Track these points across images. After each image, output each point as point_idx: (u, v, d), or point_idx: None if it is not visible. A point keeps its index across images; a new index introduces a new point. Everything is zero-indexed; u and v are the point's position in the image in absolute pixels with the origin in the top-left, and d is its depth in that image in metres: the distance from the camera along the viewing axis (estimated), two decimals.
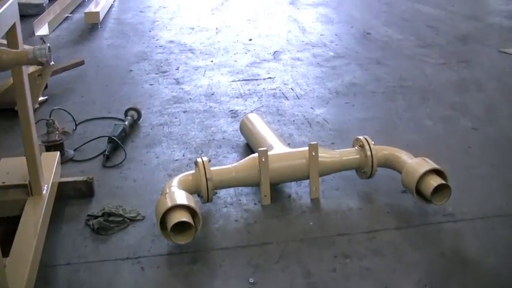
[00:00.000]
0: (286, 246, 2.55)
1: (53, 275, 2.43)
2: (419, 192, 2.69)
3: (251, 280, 2.35)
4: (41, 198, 2.63)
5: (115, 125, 3.64)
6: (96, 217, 2.77)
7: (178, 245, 2.46)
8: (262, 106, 4.07)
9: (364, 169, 2.90)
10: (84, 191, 2.98)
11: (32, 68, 3.87)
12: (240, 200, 2.90)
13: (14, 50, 2.30)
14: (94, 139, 3.54)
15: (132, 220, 2.77)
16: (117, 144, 3.43)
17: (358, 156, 2.91)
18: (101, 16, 6.50)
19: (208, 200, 2.74)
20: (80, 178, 2.99)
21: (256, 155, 2.80)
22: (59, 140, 3.35)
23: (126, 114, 3.81)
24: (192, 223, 2.40)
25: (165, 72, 4.87)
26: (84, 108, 4.11)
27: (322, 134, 3.63)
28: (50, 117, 3.43)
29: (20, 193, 2.62)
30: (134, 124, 3.78)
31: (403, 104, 4.08)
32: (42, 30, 6.25)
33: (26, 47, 5.06)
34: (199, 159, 2.76)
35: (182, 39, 5.88)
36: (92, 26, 6.37)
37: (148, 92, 4.42)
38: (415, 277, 2.35)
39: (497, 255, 2.50)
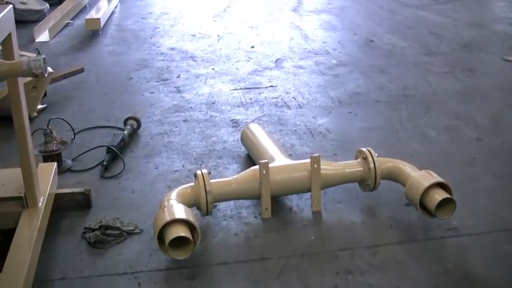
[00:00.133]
0: (286, 262, 2.49)
1: None
2: (423, 206, 2.63)
3: None
4: (36, 210, 2.57)
5: (114, 134, 3.59)
6: (93, 230, 2.71)
7: (176, 260, 2.40)
8: (264, 115, 4.02)
9: (367, 182, 2.84)
10: (82, 202, 2.92)
11: (27, 79, 3.81)
12: (240, 212, 2.85)
13: (8, 62, 2.24)
14: (92, 149, 3.48)
15: (130, 233, 2.72)
16: (115, 154, 3.38)
17: (361, 168, 2.85)
18: (102, 22, 6.45)
19: (208, 213, 2.68)
20: (77, 189, 2.93)
21: (256, 167, 2.75)
22: (57, 150, 3.30)
23: (125, 123, 3.75)
24: (191, 238, 2.35)
25: (165, 80, 4.82)
26: (83, 116, 4.06)
27: (324, 144, 3.57)
28: (47, 126, 3.38)
29: (15, 205, 2.56)
30: (134, 133, 3.73)
31: (407, 113, 4.02)
32: (43, 37, 6.21)
33: (26, 53, 5.03)
34: (198, 172, 2.70)
35: (183, 46, 5.83)
36: (93, 32, 6.33)
37: (149, 100, 4.37)
38: None
39: (503, 271, 2.43)
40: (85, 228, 2.74)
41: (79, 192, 2.92)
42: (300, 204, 2.90)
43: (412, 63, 5.16)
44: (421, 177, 2.65)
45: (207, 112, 4.10)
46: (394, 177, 2.85)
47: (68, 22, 6.92)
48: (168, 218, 2.38)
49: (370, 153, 2.85)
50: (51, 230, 2.67)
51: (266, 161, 2.74)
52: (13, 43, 2.34)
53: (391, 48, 5.60)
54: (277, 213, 2.82)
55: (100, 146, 3.48)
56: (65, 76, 4.58)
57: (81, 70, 4.75)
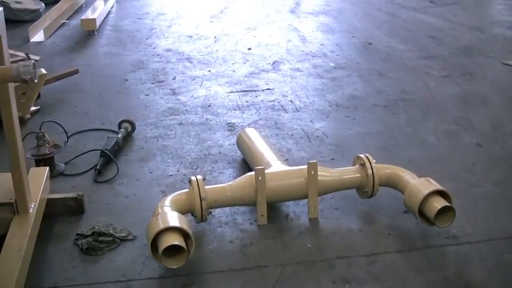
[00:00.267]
0: (283, 270, 2.44)
1: None
2: (422, 213, 2.57)
3: None
4: (27, 216, 2.52)
5: (108, 137, 3.54)
6: (85, 236, 2.66)
7: (170, 268, 2.34)
8: (260, 119, 3.96)
9: (365, 188, 2.79)
10: (74, 208, 2.87)
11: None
12: (235, 219, 2.79)
13: None
14: (86, 152, 3.43)
15: (123, 240, 2.66)
16: (109, 158, 3.33)
17: (358, 175, 2.80)
18: (98, 23, 6.39)
19: (202, 220, 2.63)
20: (70, 195, 2.88)
21: (252, 173, 2.70)
22: (49, 154, 3.24)
23: (119, 127, 3.70)
24: (185, 247, 2.29)
25: (161, 82, 4.76)
26: (77, 119, 4.01)
27: (321, 149, 3.51)
28: (40, 129, 3.32)
29: (5, 212, 2.50)
30: (128, 137, 3.68)
31: (405, 118, 3.97)
32: (38, 37, 6.16)
33: (21, 54, 4.97)
34: (193, 178, 2.65)
35: (180, 48, 5.78)
36: (89, 32, 6.27)
37: (144, 102, 4.31)
38: None
39: (503, 281, 2.39)
40: (77, 234, 2.69)
41: (71, 198, 2.87)
42: (297, 211, 2.84)
43: (410, 66, 5.11)
44: (420, 185, 2.60)
45: (202, 115, 4.05)
46: (392, 184, 2.79)
47: (64, 22, 6.86)
48: (161, 226, 2.33)
49: (368, 160, 2.80)
50: (42, 236, 2.61)
51: (262, 167, 2.69)
52: (3, 47, 2.28)
53: (390, 51, 5.55)
54: (273, 220, 2.77)
55: (94, 150, 3.42)
56: (59, 78, 4.52)
57: (76, 71, 4.70)
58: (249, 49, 5.69)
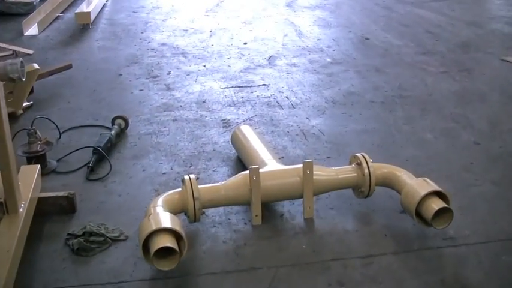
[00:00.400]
0: (277, 272, 2.40)
1: None
2: (419, 214, 2.53)
3: None
4: (17, 216, 2.47)
5: (100, 134, 3.48)
6: (76, 236, 2.61)
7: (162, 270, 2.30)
8: (256, 115, 3.91)
9: (361, 188, 2.74)
10: (66, 206, 2.82)
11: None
12: (229, 219, 2.75)
13: None
14: (78, 149, 3.37)
15: (115, 240, 2.62)
16: (102, 156, 3.27)
17: (355, 174, 2.75)
18: (92, 16, 6.32)
19: (196, 220, 2.58)
20: (61, 193, 2.83)
21: (247, 172, 2.65)
22: (41, 151, 3.19)
23: (113, 123, 3.65)
24: (177, 248, 2.24)
25: (155, 77, 4.70)
26: (71, 114, 3.95)
27: (317, 146, 3.47)
28: (31, 126, 3.26)
29: None
30: (121, 133, 3.62)
31: (403, 115, 3.92)
32: (32, 31, 6.09)
33: (16, 48, 4.90)
34: (186, 177, 2.60)
35: (175, 42, 5.72)
36: (83, 26, 6.20)
37: (138, 98, 4.26)
38: None
39: (501, 283, 2.35)
40: (68, 234, 2.64)
41: (63, 196, 2.82)
42: (292, 211, 2.80)
43: (408, 62, 5.05)
44: (418, 185, 2.56)
45: (197, 111, 3.99)
46: (389, 184, 2.75)
47: (58, 15, 6.78)
48: (153, 227, 2.28)
49: (365, 159, 2.75)
50: (33, 236, 2.57)
51: (256, 166, 2.64)
52: None
53: (387, 47, 5.50)
54: (268, 220, 2.72)
55: (86, 147, 3.37)
56: (52, 72, 4.47)
57: (69, 66, 4.64)
58: (245, 44, 5.63)
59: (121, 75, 4.77)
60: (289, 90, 4.38)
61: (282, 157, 3.30)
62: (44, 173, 3.15)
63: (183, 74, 4.77)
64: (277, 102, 4.15)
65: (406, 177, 2.68)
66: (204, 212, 2.63)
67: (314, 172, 2.66)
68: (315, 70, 4.84)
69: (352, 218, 2.76)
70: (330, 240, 2.59)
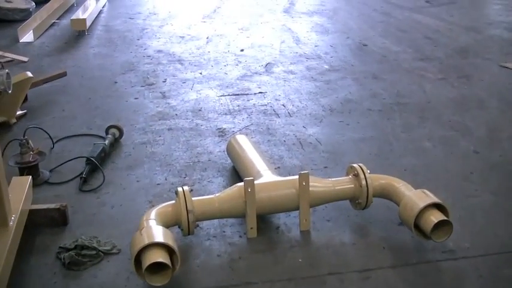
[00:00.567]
0: (272, 286, 2.35)
1: None
2: (417, 227, 2.48)
3: None
4: (6, 230, 2.41)
5: (94, 144, 3.43)
6: (68, 250, 2.55)
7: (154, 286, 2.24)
8: (252, 124, 3.86)
9: (358, 200, 2.69)
10: (57, 219, 2.77)
11: None
12: (224, 231, 2.69)
13: None
14: (71, 160, 3.32)
15: (107, 253, 2.56)
16: (95, 166, 3.22)
17: (352, 185, 2.70)
18: (88, 23, 6.27)
19: (190, 233, 2.53)
20: (53, 205, 2.78)
21: (241, 184, 2.59)
22: (33, 162, 3.14)
23: (107, 132, 3.60)
24: (169, 264, 2.19)
25: (151, 84, 4.65)
26: (65, 123, 3.90)
27: (314, 156, 3.41)
28: (24, 136, 3.21)
29: None
30: (116, 142, 3.57)
31: (401, 123, 3.87)
32: (27, 37, 6.03)
33: (11, 55, 4.84)
34: (179, 189, 2.55)
35: (171, 49, 5.67)
36: (79, 33, 6.15)
37: (133, 106, 4.20)
38: None
39: None
40: (60, 247, 2.59)
41: (54, 208, 2.77)
42: (288, 223, 2.74)
43: (406, 69, 5.01)
44: (416, 197, 2.51)
45: (192, 120, 3.94)
46: (387, 195, 2.70)
47: (54, 22, 6.74)
48: (146, 241, 2.23)
49: (362, 170, 2.69)
50: (23, 250, 2.52)
51: (251, 178, 2.59)
52: None
53: (385, 53, 5.45)
54: (264, 233, 2.67)
55: (79, 157, 3.31)
56: (46, 80, 4.42)
57: (64, 74, 4.59)
58: (242, 50, 5.58)
59: (116, 82, 4.72)
60: (286, 98, 4.33)
61: (278, 167, 3.25)
62: (37, 183, 3.10)
63: (179, 82, 4.72)
64: (273, 110, 4.10)
65: (404, 188, 2.63)
66: (197, 225, 2.57)
67: (310, 184, 2.61)
68: (312, 77, 4.79)
69: (350, 230, 2.71)
70: (327, 254, 2.54)
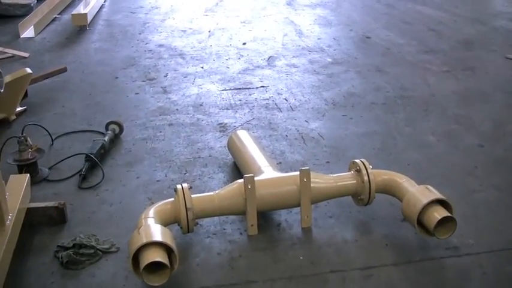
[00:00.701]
0: (273, 285, 2.31)
1: None
2: (421, 223, 2.43)
3: None
4: (3, 229, 2.38)
5: (94, 140, 3.39)
6: (66, 248, 2.52)
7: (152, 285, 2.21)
8: (253, 119, 3.81)
9: (360, 196, 2.64)
10: (56, 217, 2.74)
11: None
12: (224, 228, 2.65)
13: None
14: (70, 156, 3.28)
15: (105, 252, 2.53)
16: (95, 163, 3.19)
17: (354, 181, 2.65)
18: (89, 18, 6.23)
19: (189, 231, 2.49)
20: (51, 204, 2.75)
21: (241, 181, 2.55)
22: (32, 159, 3.10)
23: (107, 128, 3.56)
24: (167, 263, 2.15)
25: (152, 79, 4.61)
26: (64, 119, 3.87)
27: (316, 151, 3.37)
28: (22, 133, 3.17)
29: None
30: (116, 139, 3.53)
31: (404, 117, 3.81)
32: (28, 33, 5.99)
33: (12, 51, 4.79)
34: (178, 186, 2.51)
35: (173, 43, 5.62)
36: (80, 28, 6.10)
37: (133, 102, 4.16)
38: None
39: None
40: (58, 246, 2.55)
41: (53, 207, 2.73)
42: (289, 220, 2.70)
43: (410, 61, 4.95)
44: (419, 193, 2.46)
45: (193, 115, 3.90)
46: (390, 191, 2.65)
47: (56, 17, 6.69)
48: (144, 240, 2.19)
49: (364, 165, 2.65)
50: (21, 249, 2.49)
51: (251, 175, 2.54)
52: None
53: (389, 46, 5.39)
54: (265, 230, 2.63)
55: (78, 154, 3.28)
56: (46, 76, 4.38)
57: (64, 70, 4.56)
58: (244, 44, 5.53)
59: (117, 77, 4.68)
60: (288, 92, 4.28)
61: (280, 163, 3.21)
62: (36, 181, 3.07)
63: (180, 76, 4.67)
64: (275, 104, 4.05)
65: (407, 184, 2.58)
66: (197, 223, 2.53)
67: (311, 180, 2.57)
68: (314, 71, 4.74)
69: (352, 226, 2.66)
70: (329, 251, 2.50)
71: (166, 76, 4.68)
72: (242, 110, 3.97)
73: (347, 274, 2.36)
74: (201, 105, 4.07)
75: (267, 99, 4.16)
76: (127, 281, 2.34)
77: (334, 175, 2.72)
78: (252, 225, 2.58)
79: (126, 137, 3.58)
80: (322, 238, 2.59)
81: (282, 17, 6.58)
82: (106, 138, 3.40)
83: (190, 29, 6.16)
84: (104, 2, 7.38)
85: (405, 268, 2.38)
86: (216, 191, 2.60)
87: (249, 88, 4.38)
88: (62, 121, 3.84)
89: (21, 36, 5.88)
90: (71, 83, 4.56)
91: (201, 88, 4.40)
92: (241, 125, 3.71)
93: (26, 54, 5.23)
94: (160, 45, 5.54)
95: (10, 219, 2.44)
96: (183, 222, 2.45)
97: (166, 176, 3.12)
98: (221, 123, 3.75)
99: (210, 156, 3.33)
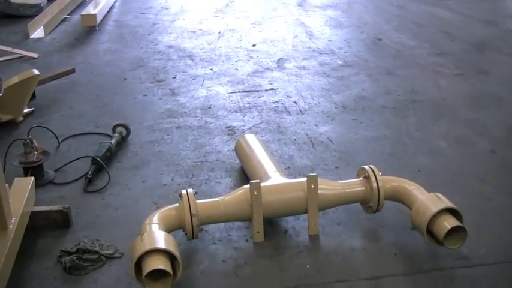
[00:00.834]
0: None
1: None
2: (430, 232, 2.37)
3: None
4: (6, 233, 2.35)
5: (100, 143, 3.35)
6: (69, 253, 2.49)
7: None
8: (262, 122, 3.76)
9: (369, 203, 2.59)
10: (60, 221, 2.71)
11: None
12: (230, 235, 2.61)
13: None
14: (76, 159, 3.25)
15: (109, 257, 2.49)
16: (101, 166, 3.15)
17: (362, 188, 2.60)
18: (99, 18, 6.20)
19: (194, 237, 2.45)
20: (56, 207, 2.72)
21: (247, 186, 2.50)
22: (37, 161, 3.08)
23: (114, 131, 3.53)
24: (170, 271, 2.11)
25: (161, 81, 4.57)
26: (72, 121, 3.84)
27: (325, 156, 3.31)
28: (28, 135, 3.15)
29: None
30: (123, 141, 3.50)
31: (415, 121, 3.75)
32: (38, 33, 5.99)
33: (21, 52, 4.77)
34: (183, 191, 2.46)
35: (182, 44, 5.58)
36: (90, 28, 6.08)
37: (141, 104, 4.13)
38: None
39: None
40: (61, 251, 2.53)
41: (57, 211, 2.71)
42: (296, 226, 2.65)
43: (421, 64, 4.88)
44: (429, 201, 2.40)
45: (201, 118, 3.86)
46: (399, 198, 2.59)
47: (65, 17, 6.68)
48: (146, 247, 2.16)
49: (373, 172, 2.59)
50: (24, 253, 2.47)
51: (257, 180, 2.49)
52: None
53: (400, 48, 5.33)
54: (271, 237, 2.58)
55: (85, 157, 3.25)
56: (53, 77, 4.36)
57: (72, 71, 4.54)
58: (254, 45, 5.49)
59: (126, 79, 4.65)
60: (297, 95, 4.23)
61: (288, 167, 3.16)
62: (41, 183, 3.05)
63: (189, 78, 4.63)
64: (285, 107, 4.00)
65: (417, 191, 2.53)
66: (202, 229, 2.49)
67: (319, 186, 2.52)
68: (325, 73, 4.69)
69: (360, 234, 2.61)
70: (336, 260, 2.44)
71: (175, 78, 4.65)
72: (251, 113, 3.92)
73: (354, 284, 2.31)
74: (209, 107, 4.03)
75: (276, 102, 4.11)
76: None
77: (342, 181, 2.66)
78: (258, 232, 2.53)
79: (134, 140, 3.55)
80: (329, 246, 2.54)
81: (292, 18, 6.53)
82: (112, 141, 3.37)
83: (200, 30, 6.12)
84: (114, 2, 7.37)
85: (414, 278, 2.33)
86: (222, 197, 2.56)
87: (258, 91, 4.34)
88: (69, 123, 3.81)
89: (30, 37, 5.88)
90: (79, 84, 4.54)
91: (210, 90, 4.36)
92: (250, 128, 3.67)
93: (35, 55, 5.22)
94: (170, 47, 5.51)
95: (13, 222, 2.41)
96: (187, 228, 2.41)
97: (172, 180, 3.08)
98: (229, 127, 3.71)
99: (217, 160, 3.29)
